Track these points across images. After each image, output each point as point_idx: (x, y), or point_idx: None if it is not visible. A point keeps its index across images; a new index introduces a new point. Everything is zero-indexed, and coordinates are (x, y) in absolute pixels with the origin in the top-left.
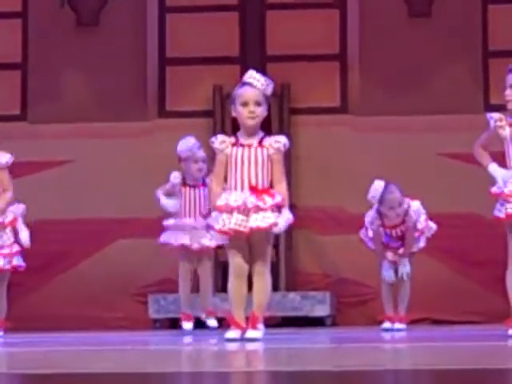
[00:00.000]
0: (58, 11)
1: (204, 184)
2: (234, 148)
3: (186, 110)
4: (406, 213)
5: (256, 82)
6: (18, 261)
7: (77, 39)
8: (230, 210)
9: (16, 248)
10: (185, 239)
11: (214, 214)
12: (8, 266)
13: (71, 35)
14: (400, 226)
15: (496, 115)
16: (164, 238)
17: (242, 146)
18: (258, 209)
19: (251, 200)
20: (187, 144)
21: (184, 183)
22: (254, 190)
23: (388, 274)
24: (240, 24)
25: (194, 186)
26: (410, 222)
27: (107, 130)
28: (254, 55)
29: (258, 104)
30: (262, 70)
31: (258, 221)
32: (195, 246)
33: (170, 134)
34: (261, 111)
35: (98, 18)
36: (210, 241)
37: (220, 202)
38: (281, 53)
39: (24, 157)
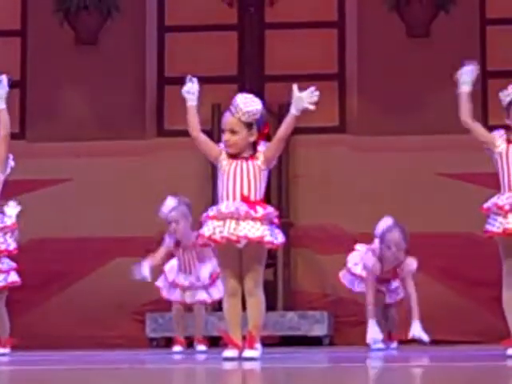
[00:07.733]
0: (57, 30)
1: (194, 244)
2: (230, 160)
3: (185, 129)
4: (400, 263)
5: (233, 109)
6: (13, 277)
7: (76, 58)
8: (222, 218)
9: (11, 264)
10: (178, 295)
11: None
12: (3, 283)
13: (70, 54)
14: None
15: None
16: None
17: (235, 158)
18: (248, 217)
19: (243, 208)
20: (164, 207)
21: (177, 242)
22: (245, 200)
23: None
24: (239, 43)
25: (184, 248)
26: (404, 272)
27: (106, 148)
28: (252, 74)
29: (232, 132)
30: (261, 90)
31: (246, 230)
32: (188, 300)
33: (169, 153)
34: (237, 139)
35: (97, 37)
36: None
37: (211, 212)
38: (279, 72)
39: (22, 175)
